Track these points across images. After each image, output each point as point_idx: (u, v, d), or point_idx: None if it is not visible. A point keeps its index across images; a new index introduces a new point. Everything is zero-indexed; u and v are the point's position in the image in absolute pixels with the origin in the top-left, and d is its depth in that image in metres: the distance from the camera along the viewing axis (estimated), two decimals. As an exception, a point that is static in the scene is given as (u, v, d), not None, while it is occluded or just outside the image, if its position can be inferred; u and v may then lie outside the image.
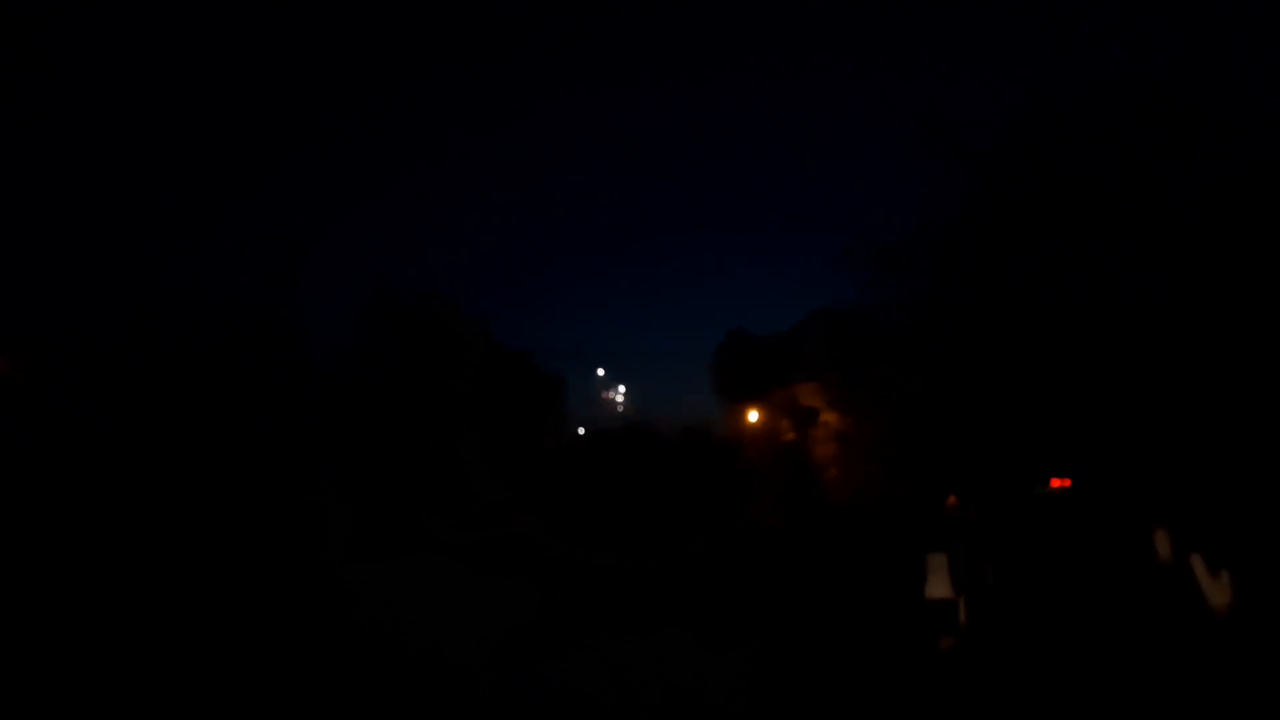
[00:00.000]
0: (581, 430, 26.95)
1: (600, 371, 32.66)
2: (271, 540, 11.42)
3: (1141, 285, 11.18)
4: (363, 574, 12.27)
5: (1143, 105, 11.81)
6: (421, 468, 15.15)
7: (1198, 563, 8.10)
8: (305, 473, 12.71)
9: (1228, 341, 10.42)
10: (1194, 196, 11.56)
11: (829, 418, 25.77)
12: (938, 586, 10.53)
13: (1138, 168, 11.71)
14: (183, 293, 13.53)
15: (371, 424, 14.64)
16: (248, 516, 11.37)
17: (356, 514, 13.37)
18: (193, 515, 10.72)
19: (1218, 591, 7.85)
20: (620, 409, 32.64)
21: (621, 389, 32.46)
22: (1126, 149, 11.83)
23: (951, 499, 11.98)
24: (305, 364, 14.53)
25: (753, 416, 26.69)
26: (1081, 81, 12.70)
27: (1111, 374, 11.00)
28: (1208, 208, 11.49)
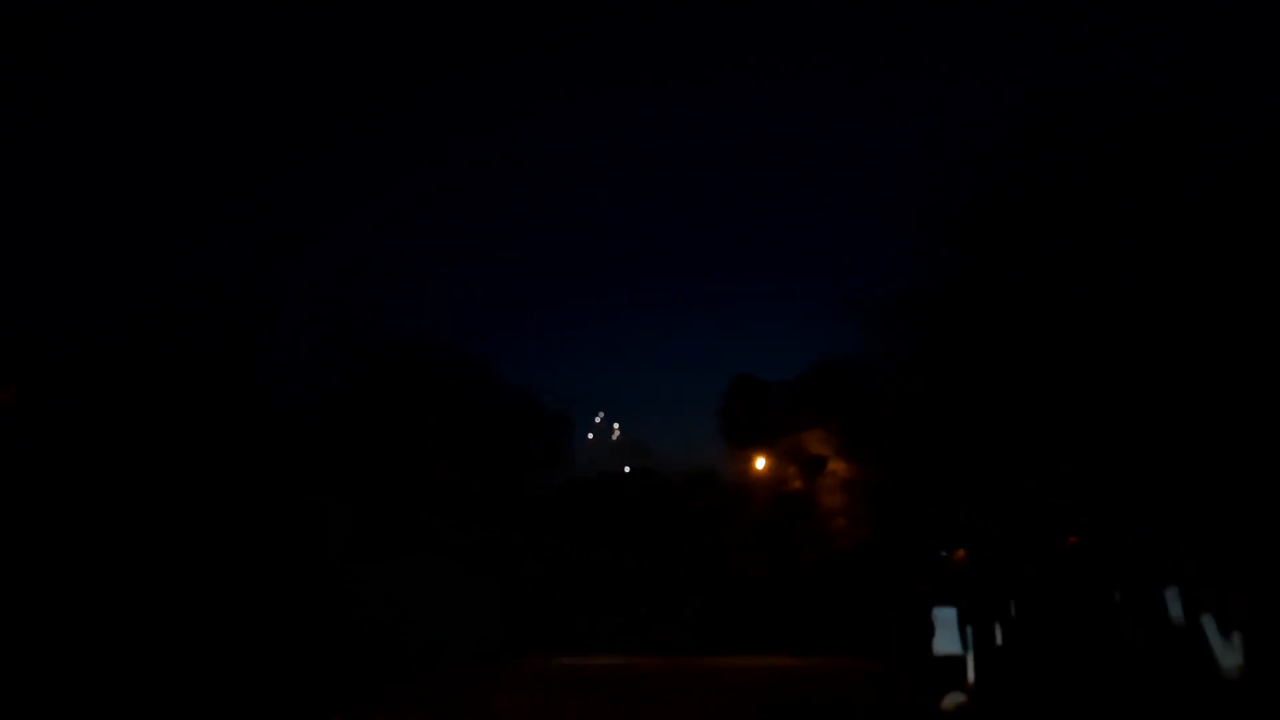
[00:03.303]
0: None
1: (600, 418, 32.25)
2: (271, 540, 11.41)
3: (1144, 292, 11.13)
4: (363, 574, 12.26)
5: (1142, 106, 11.78)
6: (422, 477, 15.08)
7: (1209, 623, 7.98)
8: (305, 473, 12.69)
9: (1236, 348, 10.34)
10: (1194, 197, 11.53)
11: (837, 466, 25.47)
12: (945, 642, 10.39)
13: (1137, 168, 11.67)
14: (182, 294, 13.50)
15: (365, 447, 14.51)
16: (248, 516, 11.35)
17: (356, 514, 13.36)
18: (192, 515, 10.70)
19: (1229, 653, 7.74)
20: (618, 452, 32.12)
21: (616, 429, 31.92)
22: (1126, 150, 11.79)
23: (960, 552, 11.85)
24: (304, 368, 14.48)
25: (760, 464, 26.38)
26: (1081, 82, 12.67)
27: (1122, 414, 10.83)
28: (1208, 208, 11.45)
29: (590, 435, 32.77)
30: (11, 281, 12.19)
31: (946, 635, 10.26)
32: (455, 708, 8.89)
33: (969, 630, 8.60)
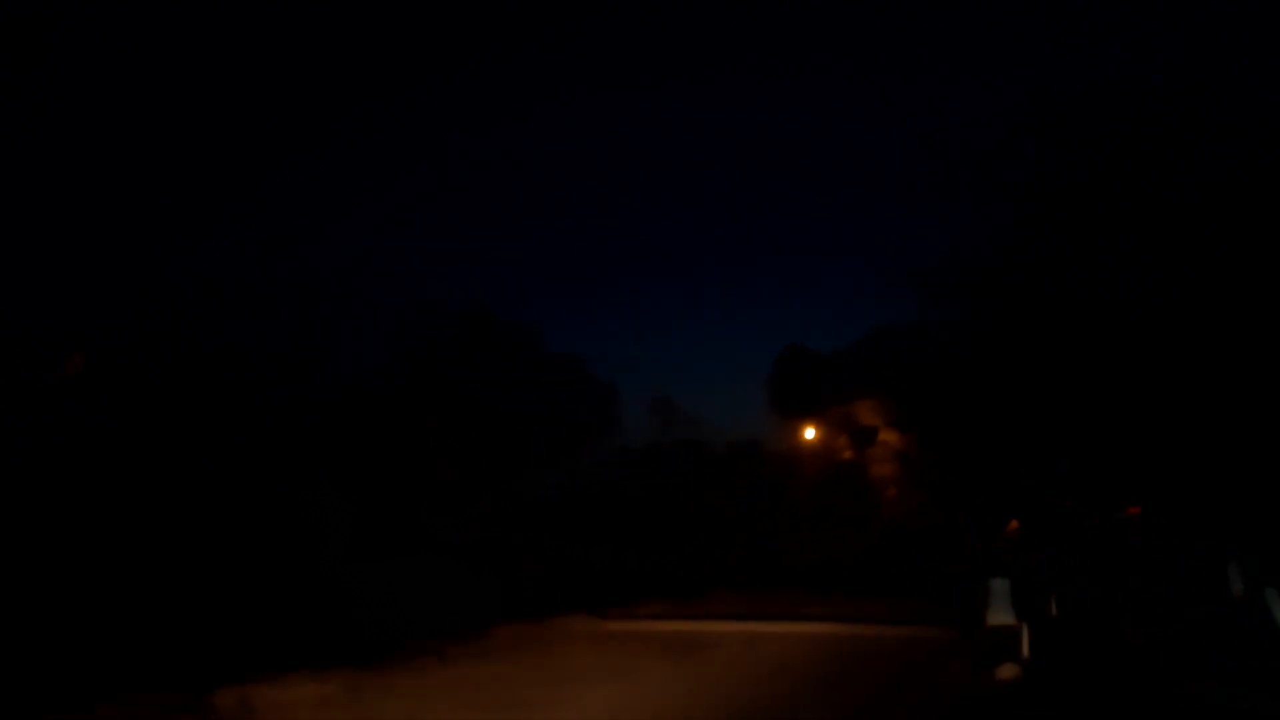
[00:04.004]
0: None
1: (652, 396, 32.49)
2: (271, 540, 11.39)
3: (1144, 292, 11.18)
4: (363, 574, 12.25)
5: (1142, 106, 11.77)
6: (422, 468, 15.09)
7: (1272, 596, 7.92)
8: (305, 473, 12.67)
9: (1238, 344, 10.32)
10: (1194, 197, 11.52)
11: (888, 437, 25.49)
12: (999, 613, 10.32)
13: (1137, 169, 11.66)
14: (180, 293, 13.50)
15: (382, 429, 14.53)
16: (247, 516, 11.34)
17: (356, 514, 13.34)
18: (190, 514, 10.69)
19: None
20: (667, 422, 32.03)
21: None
22: (1126, 150, 11.78)
23: (1013, 523, 11.82)
24: (306, 367, 14.48)
25: (809, 434, 26.38)
26: (1081, 82, 12.68)
27: (1180, 394, 10.82)
28: (1208, 208, 11.43)
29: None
30: (19, 282, 12.20)
31: (1001, 606, 10.32)
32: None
33: (1023, 600, 8.55)
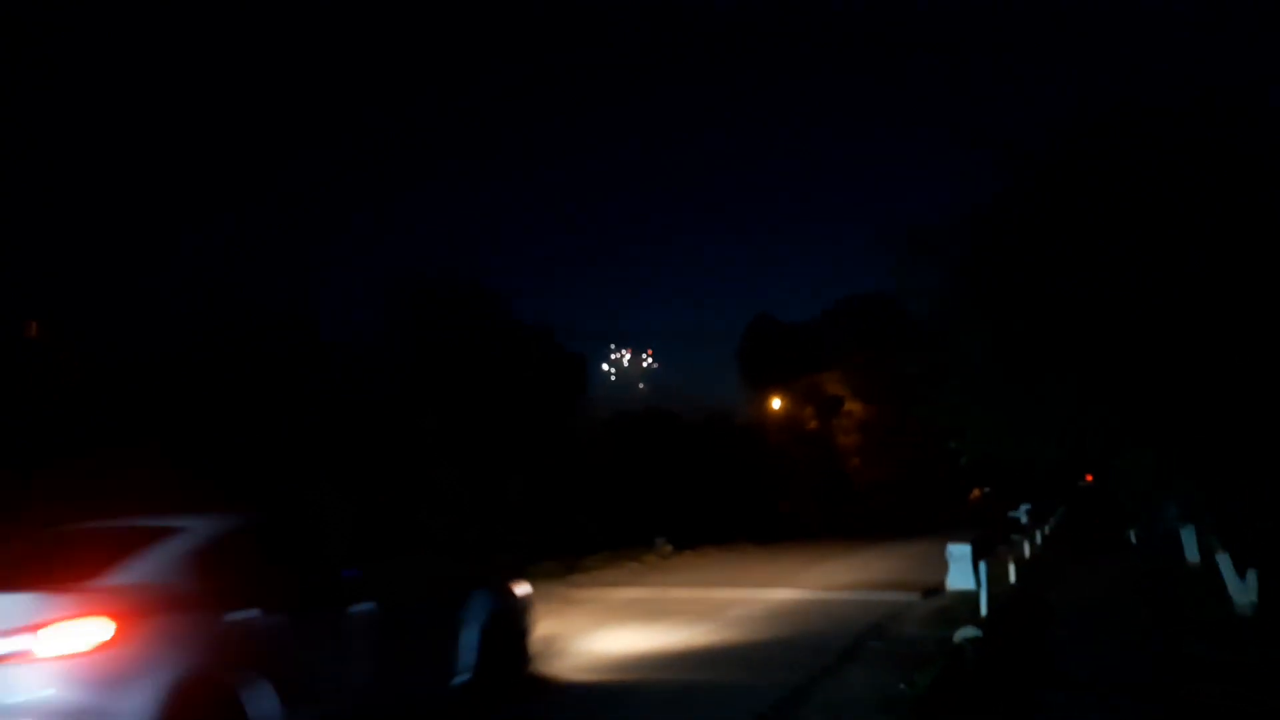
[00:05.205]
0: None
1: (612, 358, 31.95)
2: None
3: (1163, 291, 11.14)
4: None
5: (1190, 123, 11.59)
6: (420, 467, 15.04)
7: (1224, 561, 8.00)
8: (305, 473, 12.64)
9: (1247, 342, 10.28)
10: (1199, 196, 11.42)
11: (853, 407, 25.70)
12: (959, 578, 10.39)
13: (1180, 181, 11.49)
14: (177, 292, 13.45)
15: (380, 429, 14.46)
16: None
17: (356, 514, 13.30)
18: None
19: (1243, 591, 7.78)
20: (638, 391, 31.90)
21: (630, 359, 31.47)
22: (1174, 162, 11.58)
23: (976, 492, 11.91)
24: (305, 365, 14.43)
25: (776, 404, 26.42)
26: (1133, 89, 12.54)
27: (1139, 372, 10.85)
28: (1211, 205, 11.33)
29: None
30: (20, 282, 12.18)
31: (960, 571, 10.31)
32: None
33: (982, 566, 8.64)
